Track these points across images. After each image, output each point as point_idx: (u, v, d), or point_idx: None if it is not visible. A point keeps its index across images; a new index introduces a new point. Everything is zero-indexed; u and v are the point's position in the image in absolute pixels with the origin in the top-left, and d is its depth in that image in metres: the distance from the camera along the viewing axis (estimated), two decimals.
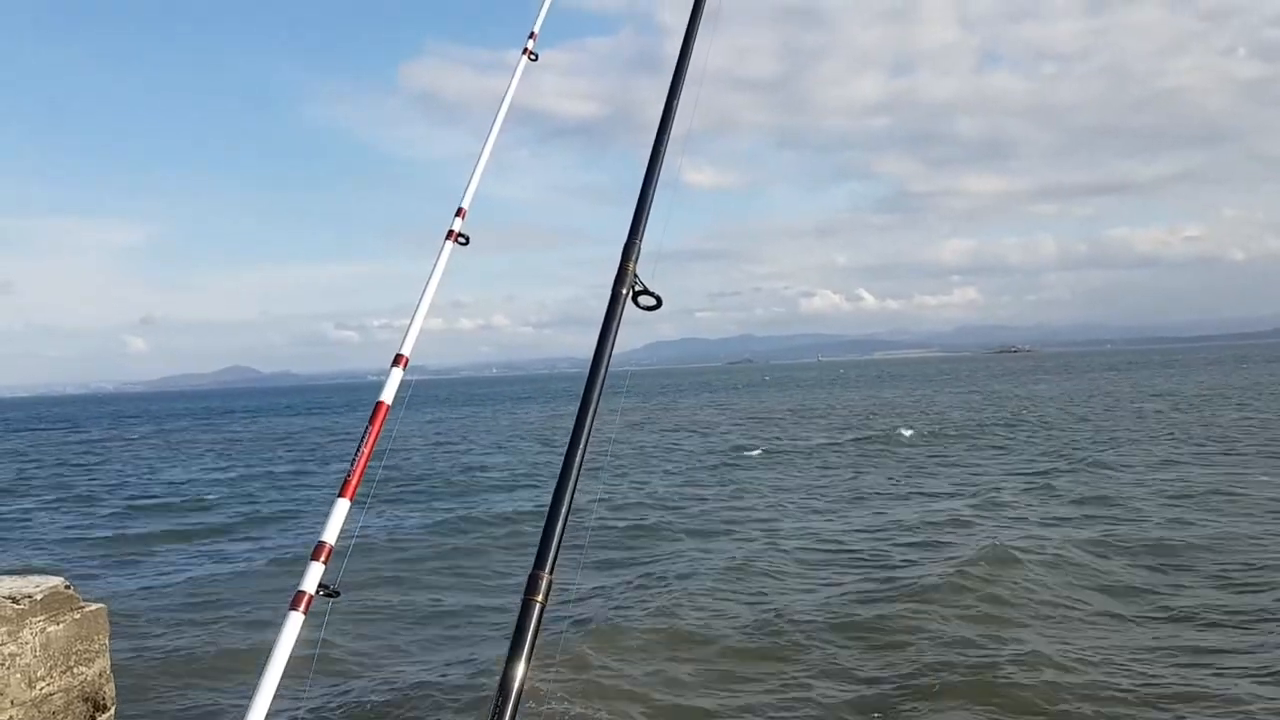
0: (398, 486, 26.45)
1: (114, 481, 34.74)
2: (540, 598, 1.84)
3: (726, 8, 2.93)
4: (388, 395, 2.22)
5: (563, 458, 1.99)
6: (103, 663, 5.59)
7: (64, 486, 33.33)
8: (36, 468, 41.75)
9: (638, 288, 2.27)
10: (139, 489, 32.10)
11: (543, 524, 1.92)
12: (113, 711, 5.68)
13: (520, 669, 1.76)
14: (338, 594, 2.01)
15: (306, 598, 1.94)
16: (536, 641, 1.80)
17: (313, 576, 1.96)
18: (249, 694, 1.83)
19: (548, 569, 1.87)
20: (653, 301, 2.28)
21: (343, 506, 2.07)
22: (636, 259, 2.28)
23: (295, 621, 1.91)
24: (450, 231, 2.69)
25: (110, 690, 5.66)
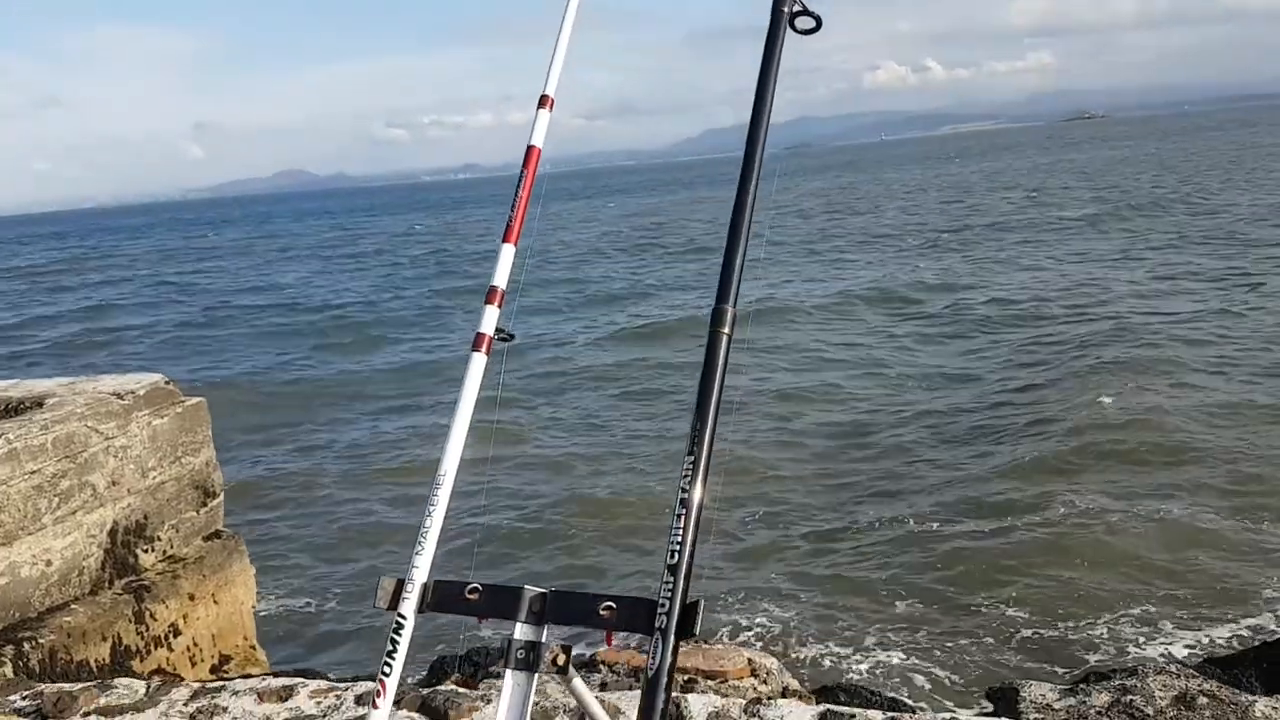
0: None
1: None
2: (726, 329, 1.80)
3: None
4: (538, 139, 2.13)
5: (735, 189, 1.89)
6: (208, 453, 5.82)
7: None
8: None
9: (796, 8, 2.01)
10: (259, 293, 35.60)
11: (721, 257, 1.86)
12: (220, 498, 5.97)
13: (712, 404, 1.70)
14: (512, 337, 2.01)
15: (486, 339, 1.95)
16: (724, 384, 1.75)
17: (489, 319, 1.97)
18: (444, 436, 1.85)
19: (731, 301, 1.82)
20: (812, 23, 2.03)
21: (508, 251, 2.04)
22: None
23: (479, 362, 1.93)
24: None
25: (218, 478, 5.92)
